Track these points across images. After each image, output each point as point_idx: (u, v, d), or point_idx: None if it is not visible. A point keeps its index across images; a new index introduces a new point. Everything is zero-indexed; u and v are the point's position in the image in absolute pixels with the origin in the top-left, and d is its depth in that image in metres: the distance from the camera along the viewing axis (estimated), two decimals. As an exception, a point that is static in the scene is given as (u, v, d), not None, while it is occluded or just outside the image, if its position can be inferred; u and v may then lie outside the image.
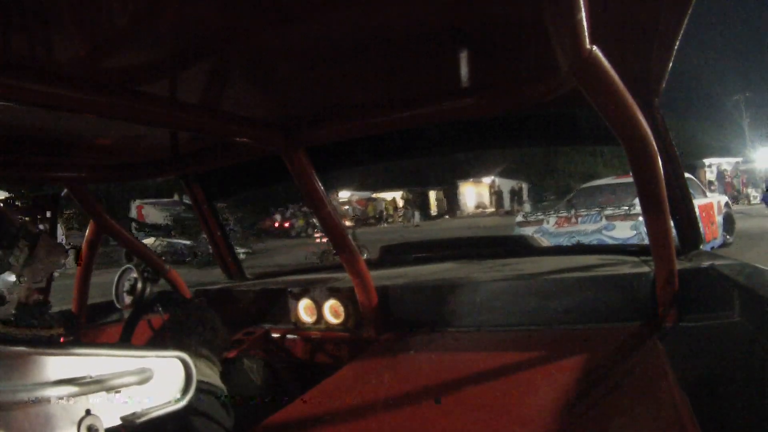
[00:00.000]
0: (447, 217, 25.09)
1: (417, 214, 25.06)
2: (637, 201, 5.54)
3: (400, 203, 25.66)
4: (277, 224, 19.88)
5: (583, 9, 0.67)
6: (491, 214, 22.25)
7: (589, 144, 1.67)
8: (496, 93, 1.06)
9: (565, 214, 6.42)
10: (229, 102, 1.05)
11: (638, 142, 0.90)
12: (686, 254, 1.35)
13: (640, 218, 5.16)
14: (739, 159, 19.73)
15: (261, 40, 0.78)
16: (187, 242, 10.92)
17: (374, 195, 25.95)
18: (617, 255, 1.58)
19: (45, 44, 0.68)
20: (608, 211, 6.02)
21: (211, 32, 0.72)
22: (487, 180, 26.93)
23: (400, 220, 24.06)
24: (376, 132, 1.34)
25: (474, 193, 27.99)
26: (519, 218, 7.12)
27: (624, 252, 1.62)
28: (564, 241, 5.93)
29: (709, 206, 6.83)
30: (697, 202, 6.26)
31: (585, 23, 0.70)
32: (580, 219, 6.23)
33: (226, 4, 0.64)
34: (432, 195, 27.74)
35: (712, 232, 6.62)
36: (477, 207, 27.25)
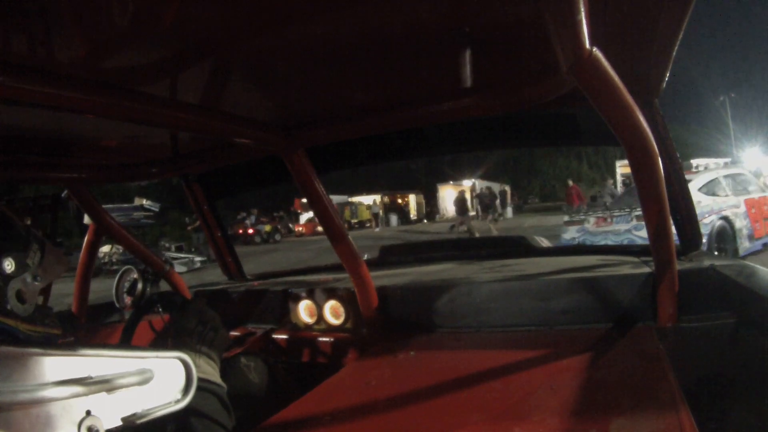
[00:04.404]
0: (425, 221, 24.55)
1: (395, 219, 24.25)
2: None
3: (378, 207, 24.89)
4: (240, 231, 18.87)
5: (583, 9, 0.67)
6: (472, 218, 21.75)
7: (589, 144, 1.67)
8: (496, 93, 1.06)
9: (601, 215, 6.85)
10: (229, 102, 1.05)
11: (638, 142, 0.90)
12: (686, 254, 1.35)
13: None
14: (727, 159, 19.59)
15: (261, 41, 0.78)
16: (145, 250, 10.43)
17: (350, 199, 25.15)
18: (617, 255, 1.57)
19: (45, 44, 0.68)
20: (637, 212, 6.23)
21: (211, 32, 0.72)
22: (467, 183, 26.16)
23: (375, 226, 23.29)
24: (376, 132, 1.34)
25: (454, 196, 27.07)
26: (566, 218, 7.61)
27: (624, 252, 1.62)
28: (600, 240, 6.38)
29: (763, 201, 7.03)
30: (754, 197, 6.69)
31: (585, 23, 0.70)
32: (614, 219, 6.58)
33: (226, 4, 0.64)
34: (411, 198, 27.04)
35: (764, 227, 6.85)
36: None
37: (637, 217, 6.15)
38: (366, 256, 2.04)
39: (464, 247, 2.38)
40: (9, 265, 0.66)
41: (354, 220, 24.48)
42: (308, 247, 15.03)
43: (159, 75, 0.84)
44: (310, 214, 23.56)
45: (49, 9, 0.59)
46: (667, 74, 1.09)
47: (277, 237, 20.21)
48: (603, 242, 6.26)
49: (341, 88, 1.06)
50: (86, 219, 1.67)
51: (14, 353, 0.54)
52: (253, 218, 19.76)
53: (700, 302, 1.09)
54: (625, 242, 6.08)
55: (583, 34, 0.72)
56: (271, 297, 1.63)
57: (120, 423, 0.61)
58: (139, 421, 0.64)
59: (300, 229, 22.69)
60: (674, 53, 0.95)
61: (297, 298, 1.53)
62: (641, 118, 0.88)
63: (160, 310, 1.36)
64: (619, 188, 17.91)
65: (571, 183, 12.82)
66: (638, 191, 1.00)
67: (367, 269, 1.37)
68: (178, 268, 10.93)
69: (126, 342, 1.28)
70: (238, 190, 2.05)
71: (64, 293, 1.67)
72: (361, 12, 0.72)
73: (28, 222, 1.22)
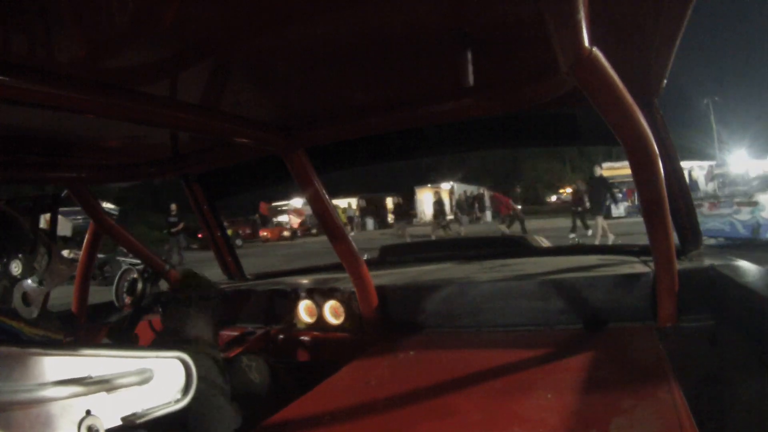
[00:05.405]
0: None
1: (371, 222, 23.60)
2: (758, 190, 7.16)
3: (353, 211, 24.13)
4: (200, 235, 16.79)
5: (582, 9, 0.67)
6: (450, 222, 20.95)
7: (589, 144, 1.67)
8: (496, 93, 1.06)
9: (713, 201, 8.45)
10: (229, 102, 1.05)
11: (638, 142, 0.90)
12: (686, 254, 1.35)
13: (759, 204, 7.32)
14: (713, 162, 19.48)
15: (261, 41, 0.78)
16: (100, 255, 9.57)
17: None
18: (617, 255, 1.57)
19: (45, 44, 0.68)
20: (737, 199, 7.96)
21: (211, 32, 0.72)
22: (446, 186, 24.98)
23: (350, 230, 23.01)
24: (376, 132, 1.34)
25: (432, 200, 25.93)
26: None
27: (624, 252, 1.62)
28: (709, 221, 7.69)
29: None
30: None
31: (585, 23, 0.70)
32: (721, 204, 8.10)
33: (226, 4, 0.64)
34: (389, 201, 25.99)
35: None
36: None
37: (738, 203, 7.65)
38: (366, 256, 2.04)
39: (464, 246, 2.38)
40: (16, 268, 0.67)
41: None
42: (274, 252, 13.90)
43: (159, 75, 0.84)
44: (281, 218, 22.98)
45: (49, 9, 0.59)
46: (667, 74, 1.09)
47: (239, 242, 18.85)
48: (711, 223, 7.66)
49: (341, 88, 1.06)
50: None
51: (14, 353, 0.54)
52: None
53: (700, 302, 1.09)
54: (727, 224, 7.58)
55: (583, 34, 0.72)
56: (271, 297, 1.63)
57: (120, 423, 0.61)
58: (139, 421, 0.64)
59: (265, 234, 21.80)
60: (674, 53, 0.95)
61: (297, 298, 1.53)
62: (641, 118, 0.88)
63: (160, 309, 1.36)
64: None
65: (491, 193, 12.70)
66: (638, 191, 1.00)
67: (367, 269, 1.37)
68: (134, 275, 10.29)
69: (125, 341, 1.28)
70: (238, 190, 2.05)
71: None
72: (361, 12, 0.72)
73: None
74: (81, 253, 1.71)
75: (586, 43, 0.74)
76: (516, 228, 11.33)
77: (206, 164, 1.50)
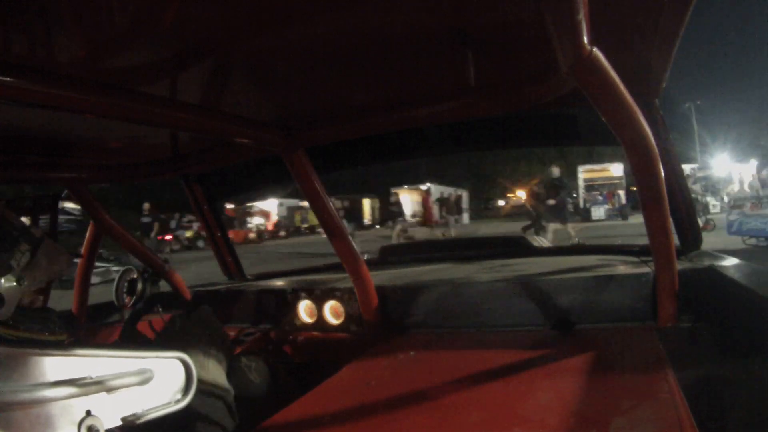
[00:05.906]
0: (378, 227, 23.14)
1: (345, 224, 23.42)
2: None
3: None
4: (160, 238, 15.17)
5: (582, 9, 0.67)
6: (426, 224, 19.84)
7: (589, 144, 1.67)
8: (496, 93, 1.06)
9: (756, 202, 8.95)
10: (229, 102, 1.05)
11: (638, 142, 0.90)
12: (686, 254, 1.35)
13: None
14: (695, 166, 19.41)
15: (261, 41, 0.78)
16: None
17: (301, 203, 23.62)
18: (617, 255, 1.57)
19: (45, 44, 0.68)
20: None
21: (211, 32, 0.72)
22: (422, 187, 24.03)
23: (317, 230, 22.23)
24: (376, 132, 1.34)
25: (409, 201, 23.39)
26: (731, 203, 9.63)
27: (624, 252, 1.62)
28: (752, 220, 7.91)
29: None
30: None
31: (585, 23, 0.70)
32: (763, 205, 8.52)
33: (226, 4, 0.64)
34: (366, 203, 25.86)
35: None
36: (413, 215, 23.98)
37: None
38: (366, 256, 2.04)
39: (464, 246, 2.38)
40: None
41: (304, 226, 23.78)
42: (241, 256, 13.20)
43: (159, 75, 0.85)
44: (258, 220, 22.66)
45: (49, 9, 0.59)
46: (667, 74, 1.09)
47: (200, 244, 17.15)
48: (753, 223, 7.83)
49: (341, 88, 1.06)
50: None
51: (14, 353, 0.54)
52: (174, 223, 16.87)
53: (700, 302, 1.09)
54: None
55: (583, 35, 0.72)
56: (271, 297, 1.63)
57: (120, 423, 0.61)
58: (139, 421, 0.64)
59: (230, 236, 21.55)
60: (674, 54, 0.95)
61: (297, 298, 1.53)
62: (641, 118, 0.88)
63: (160, 310, 1.36)
64: (582, 193, 17.59)
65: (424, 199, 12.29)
66: (638, 191, 1.00)
67: (367, 269, 1.37)
68: (93, 279, 9.52)
69: (125, 342, 1.28)
70: (238, 190, 2.05)
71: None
72: (361, 12, 0.72)
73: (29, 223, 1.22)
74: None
75: (586, 43, 0.74)
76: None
77: (206, 164, 1.50)
